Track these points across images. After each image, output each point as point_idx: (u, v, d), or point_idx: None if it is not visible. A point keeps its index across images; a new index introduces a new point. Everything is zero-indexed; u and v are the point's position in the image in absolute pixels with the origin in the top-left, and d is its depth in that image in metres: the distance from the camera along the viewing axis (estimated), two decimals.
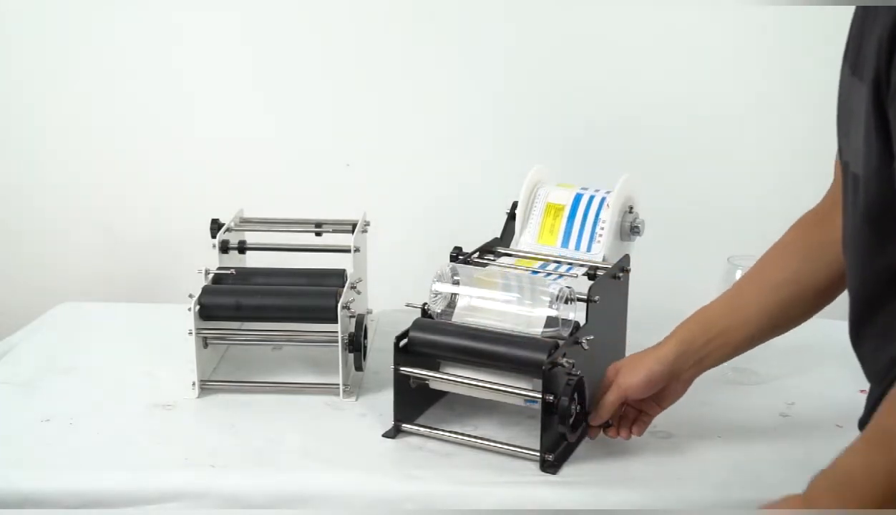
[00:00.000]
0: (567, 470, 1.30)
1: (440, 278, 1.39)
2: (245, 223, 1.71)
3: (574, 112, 2.10)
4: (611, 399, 1.29)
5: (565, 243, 1.51)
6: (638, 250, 1.56)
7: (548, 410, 1.26)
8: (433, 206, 2.15)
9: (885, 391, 1.03)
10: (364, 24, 2.08)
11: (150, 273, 2.20)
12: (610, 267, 1.45)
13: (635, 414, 1.34)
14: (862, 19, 1.03)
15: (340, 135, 2.15)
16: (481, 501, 1.24)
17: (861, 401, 1.47)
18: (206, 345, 1.52)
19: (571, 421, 1.27)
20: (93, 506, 1.24)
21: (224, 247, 1.63)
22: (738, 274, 1.47)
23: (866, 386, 1.48)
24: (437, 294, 1.39)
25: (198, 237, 1.71)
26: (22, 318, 1.79)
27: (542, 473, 1.28)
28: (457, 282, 1.39)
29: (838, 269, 1.16)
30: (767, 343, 1.55)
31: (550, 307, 1.35)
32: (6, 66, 2.12)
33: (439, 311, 1.38)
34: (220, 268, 1.59)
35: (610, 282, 1.44)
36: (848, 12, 1.12)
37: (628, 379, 1.28)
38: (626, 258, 1.51)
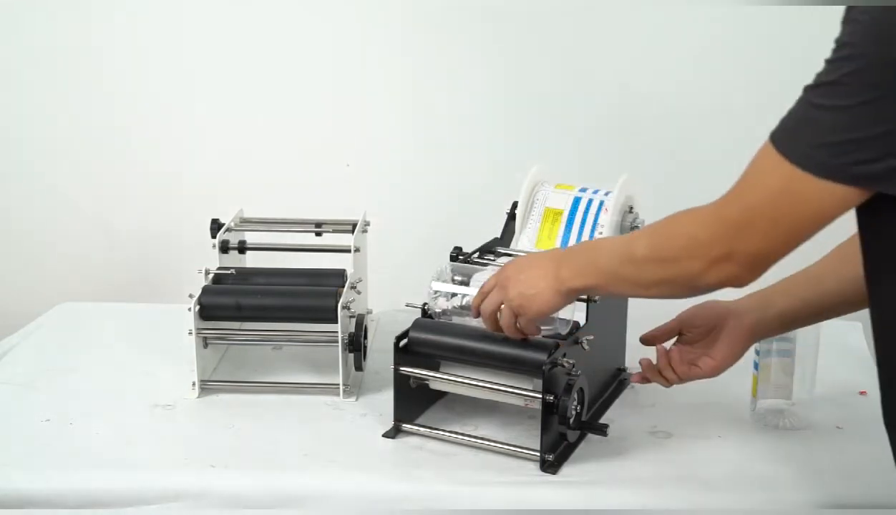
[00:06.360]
0: (567, 470, 1.30)
1: (439, 276, 1.39)
2: (245, 223, 1.70)
3: (574, 112, 2.10)
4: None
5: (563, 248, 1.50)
6: None
7: (548, 410, 1.26)
8: (433, 206, 2.15)
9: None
10: (364, 26, 2.08)
11: (150, 273, 2.20)
12: None
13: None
14: None
15: (340, 135, 2.15)
16: (481, 501, 1.24)
17: (861, 401, 1.48)
18: (206, 345, 1.52)
19: (571, 421, 1.27)
20: (93, 506, 1.24)
21: (224, 247, 1.63)
22: None
23: (867, 386, 1.48)
24: (436, 293, 1.38)
25: (198, 237, 1.71)
26: (22, 318, 1.79)
27: (542, 473, 1.28)
28: (456, 282, 1.39)
29: None
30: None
31: None
32: (6, 66, 2.12)
33: (440, 311, 1.38)
34: (220, 268, 1.59)
35: None
36: None
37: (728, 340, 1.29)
38: None
